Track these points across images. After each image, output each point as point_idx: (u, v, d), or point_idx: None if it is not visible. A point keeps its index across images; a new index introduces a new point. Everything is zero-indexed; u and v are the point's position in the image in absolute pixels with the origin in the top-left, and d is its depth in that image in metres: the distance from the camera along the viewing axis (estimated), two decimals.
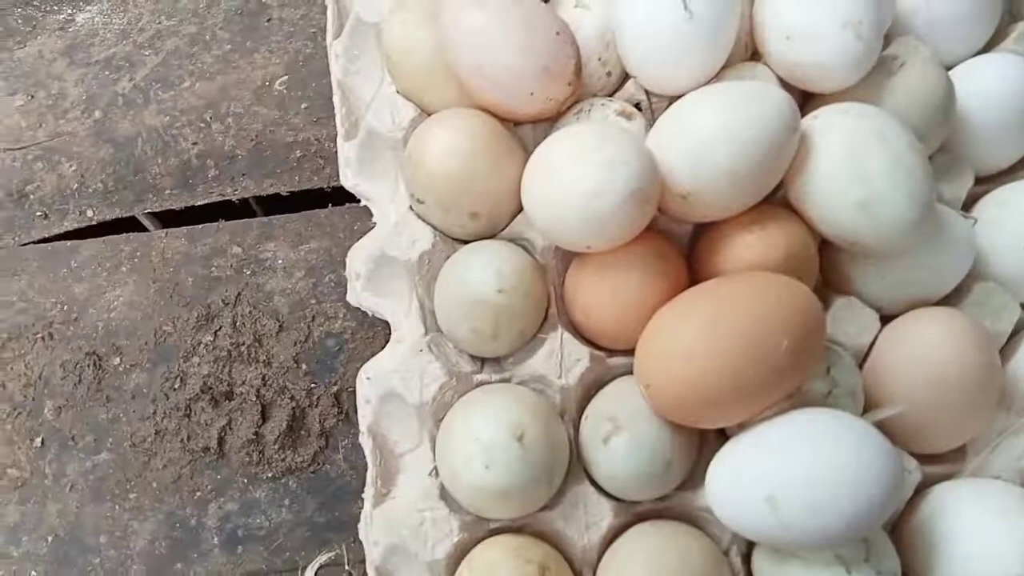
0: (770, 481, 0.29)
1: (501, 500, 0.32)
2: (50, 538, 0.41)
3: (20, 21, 0.51)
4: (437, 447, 0.34)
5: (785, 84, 0.36)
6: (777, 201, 0.34)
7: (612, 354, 0.36)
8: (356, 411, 0.38)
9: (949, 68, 0.39)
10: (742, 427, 0.32)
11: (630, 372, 0.34)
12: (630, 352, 0.33)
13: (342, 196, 0.44)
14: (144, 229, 0.47)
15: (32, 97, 0.49)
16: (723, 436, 0.34)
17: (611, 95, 0.39)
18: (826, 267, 0.37)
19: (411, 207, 0.38)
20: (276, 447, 0.42)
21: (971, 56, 0.40)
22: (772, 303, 0.30)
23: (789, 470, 0.29)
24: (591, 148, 0.31)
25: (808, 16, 0.34)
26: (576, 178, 0.31)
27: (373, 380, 0.37)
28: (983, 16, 0.39)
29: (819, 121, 0.33)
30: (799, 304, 0.30)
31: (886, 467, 0.29)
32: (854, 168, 0.32)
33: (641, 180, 0.30)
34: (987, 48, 0.40)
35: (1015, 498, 0.32)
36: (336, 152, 0.42)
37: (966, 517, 0.32)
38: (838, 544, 0.30)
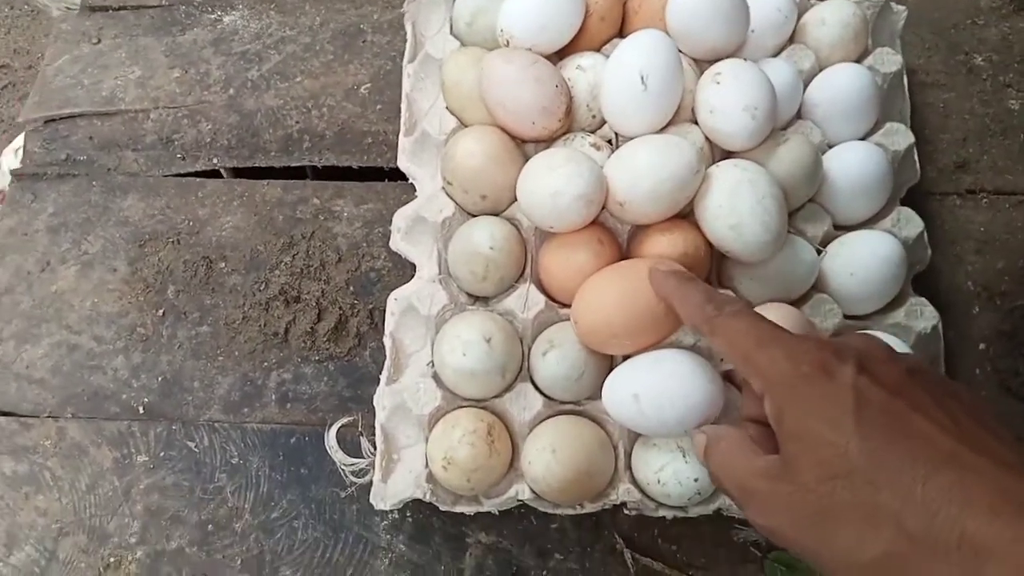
0: (636, 384, 0.45)
1: (470, 379, 0.49)
2: (160, 378, 0.58)
3: (183, 15, 0.69)
4: (434, 343, 0.51)
5: (709, 141, 0.53)
6: (685, 216, 0.51)
7: (561, 305, 0.52)
8: (383, 324, 0.54)
9: (832, 147, 0.55)
10: (630, 356, 0.48)
11: (568, 319, 0.51)
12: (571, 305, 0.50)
13: (395, 174, 0.60)
14: (252, 177, 0.64)
15: (186, 72, 0.67)
16: None
17: (594, 131, 0.55)
18: (719, 268, 0.53)
19: (443, 187, 0.55)
20: (324, 340, 0.59)
21: (851, 140, 0.56)
22: None
23: (649, 379, 0.45)
24: (559, 163, 0.48)
25: (723, 99, 0.49)
26: (547, 182, 0.48)
27: (399, 299, 0.54)
28: (862, 115, 0.55)
29: (716, 168, 0.49)
30: None
31: (709, 389, 0.45)
32: (731, 202, 0.47)
33: (588, 188, 0.47)
34: (865, 136, 0.57)
35: None
36: (396, 142, 0.59)
37: None
38: (676, 435, 0.47)
